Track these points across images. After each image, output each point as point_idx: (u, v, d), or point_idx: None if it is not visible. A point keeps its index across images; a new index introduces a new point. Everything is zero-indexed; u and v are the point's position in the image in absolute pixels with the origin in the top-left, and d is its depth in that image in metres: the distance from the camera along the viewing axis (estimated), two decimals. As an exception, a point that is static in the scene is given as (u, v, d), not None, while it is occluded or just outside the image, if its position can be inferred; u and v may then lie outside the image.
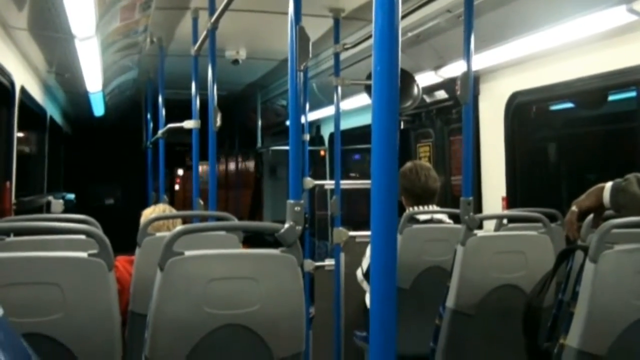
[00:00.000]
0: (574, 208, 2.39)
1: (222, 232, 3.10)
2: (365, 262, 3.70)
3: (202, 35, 4.11)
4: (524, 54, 3.97)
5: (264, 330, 2.16)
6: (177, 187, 12.86)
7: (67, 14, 3.54)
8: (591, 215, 2.44)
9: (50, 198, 6.15)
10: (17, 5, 3.70)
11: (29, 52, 4.75)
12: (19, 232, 2.84)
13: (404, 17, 3.69)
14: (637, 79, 3.43)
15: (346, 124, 5.39)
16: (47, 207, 6.03)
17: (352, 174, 8.64)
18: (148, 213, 3.67)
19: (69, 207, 6.63)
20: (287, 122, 8.96)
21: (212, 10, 3.79)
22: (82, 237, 2.71)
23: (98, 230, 2.26)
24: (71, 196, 7.76)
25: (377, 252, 1.40)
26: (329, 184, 5.03)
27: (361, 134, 7.20)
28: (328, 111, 6.95)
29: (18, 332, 1.53)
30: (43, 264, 2.06)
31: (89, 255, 2.09)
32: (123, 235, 3.62)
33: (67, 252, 2.12)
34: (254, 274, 2.16)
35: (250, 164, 11.64)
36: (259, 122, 9.11)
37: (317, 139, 8.50)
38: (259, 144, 9.49)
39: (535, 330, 2.37)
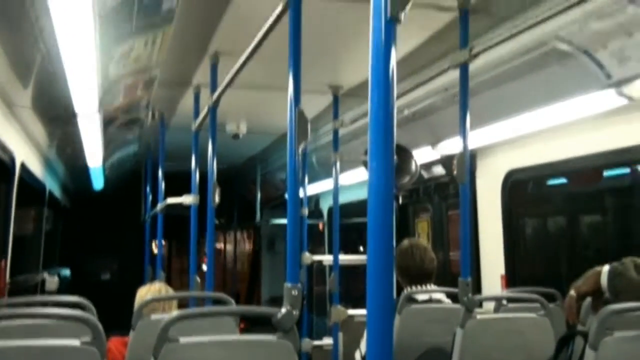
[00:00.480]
0: (572, 293, 2.37)
1: (219, 313, 3.05)
2: (364, 345, 3.63)
3: (203, 110, 4.17)
4: (519, 132, 4.03)
5: None
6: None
7: (70, 93, 3.61)
8: (589, 299, 2.43)
9: (45, 275, 6.09)
10: (22, 83, 3.77)
11: (31, 128, 4.81)
12: (13, 318, 2.80)
13: (400, 96, 3.77)
14: (629, 159, 3.47)
15: (345, 198, 5.41)
16: (42, 285, 5.97)
17: (351, 247, 8.60)
18: (143, 293, 3.62)
19: (64, 284, 6.57)
20: (286, 196, 8.95)
21: (213, 87, 3.86)
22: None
23: (92, 315, 2.23)
24: (67, 272, 7.70)
25: (374, 332, 1.39)
26: (327, 259, 4.99)
27: (360, 208, 7.19)
28: (327, 184, 6.98)
29: None
30: (35, 353, 2.01)
31: (82, 343, 2.04)
32: (119, 312, 3.57)
33: (59, 339, 2.08)
34: None
35: (249, 238, 11.61)
36: (258, 195, 9.14)
37: (316, 212, 8.50)
38: (258, 218, 9.49)
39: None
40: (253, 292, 10.99)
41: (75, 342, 2.03)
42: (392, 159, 1.44)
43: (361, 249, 8.33)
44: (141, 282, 3.99)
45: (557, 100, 3.44)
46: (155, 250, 6.46)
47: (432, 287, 3.69)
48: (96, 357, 2.03)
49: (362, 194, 6.69)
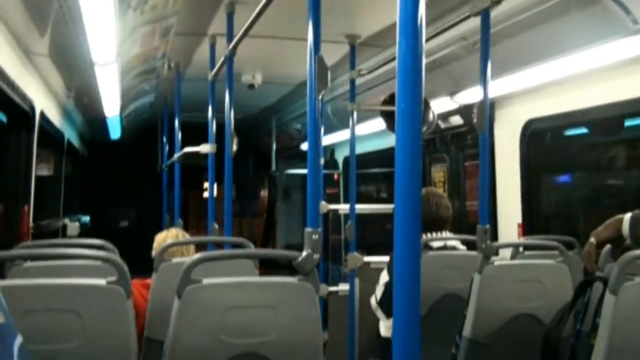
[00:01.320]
0: (592, 240, 2.39)
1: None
2: (379, 291, 3.68)
3: (219, 60, 4.16)
4: (539, 81, 3.98)
5: (280, 359, 2.15)
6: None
7: (88, 41, 3.59)
8: (609, 246, 2.44)
9: (67, 221, 6.19)
10: (40, 32, 3.76)
11: (49, 77, 4.81)
12: (39, 258, 2.86)
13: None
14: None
15: (359, 149, 5.41)
16: (63, 230, 6.07)
17: (365, 197, 8.63)
18: (161, 238, 3.68)
19: (84, 230, 6.67)
20: (302, 146, 9.04)
21: (229, 36, 3.84)
22: (100, 262, 2.73)
23: (116, 256, 2.27)
24: (86, 219, 7.81)
25: (401, 277, 1.41)
26: (343, 208, 5.03)
27: (375, 158, 7.21)
28: (342, 135, 6.98)
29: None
30: (62, 291, 2.07)
31: (108, 282, 2.10)
32: (137, 258, 3.63)
33: (86, 279, 2.13)
34: (271, 302, 2.16)
35: (264, 188, 11.67)
36: (274, 146, 9.15)
37: (331, 163, 8.52)
38: (273, 168, 9.52)
39: (554, 362, 2.35)
40: (268, 241, 11.11)
41: (101, 281, 2.09)
42: (420, 106, 1.45)
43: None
44: (159, 229, 4.03)
45: (580, 48, 3.38)
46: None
47: (448, 234, 3.72)
48: (122, 296, 2.08)
49: (376, 145, 6.73)
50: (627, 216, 2.36)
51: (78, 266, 2.82)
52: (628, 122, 3.94)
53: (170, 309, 2.16)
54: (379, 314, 3.66)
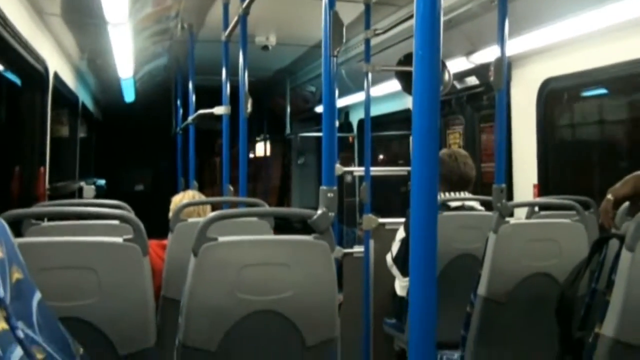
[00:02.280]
0: (609, 196, 2.36)
1: (254, 219, 3.11)
2: (395, 247, 3.69)
3: (232, 21, 4.11)
4: (557, 39, 3.91)
5: (296, 317, 2.17)
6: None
7: (100, 0, 3.57)
8: (627, 203, 2.41)
9: (83, 184, 6.24)
10: (51, -10, 3.74)
11: (62, 38, 4.80)
12: (55, 216, 2.88)
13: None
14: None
15: (373, 111, 5.37)
16: (80, 193, 6.12)
17: (379, 162, 8.61)
18: (177, 200, 3.71)
19: (100, 193, 6.72)
20: (316, 109, 9.00)
21: (243, -5, 3.79)
22: (116, 222, 2.75)
23: (132, 215, 2.29)
24: (102, 182, 7.87)
25: (418, 236, 1.40)
26: (358, 170, 5.01)
27: (389, 121, 7.16)
28: (356, 97, 6.93)
29: (55, 316, 1.56)
30: (79, 248, 2.08)
31: (124, 240, 2.11)
32: (153, 220, 3.66)
33: (103, 237, 2.14)
34: (287, 260, 2.17)
35: (279, 150, 11.66)
36: (288, 109, 9.12)
37: (345, 126, 8.48)
38: (288, 131, 9.50)
39: (569, 319, 2.35)
40: (283, 203, 11.14)
41: (117, 239, 2.10)
42: (438, 65, 1.42)
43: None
44: (174, 192, 4.06)
45: (599, 5, 3.30)
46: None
47: (466, 194, 3.71)
48: (138, 253, 2.09)
49: (390, 107, 6.68)
50: None
51: (95, 225, 2.84)
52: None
53: (186, 268, 2.17)
54: (394, 270, 3.68)
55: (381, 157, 8.65)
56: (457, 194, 3.68)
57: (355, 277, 4.44)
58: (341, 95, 6.81)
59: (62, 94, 5.35)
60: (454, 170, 3.64)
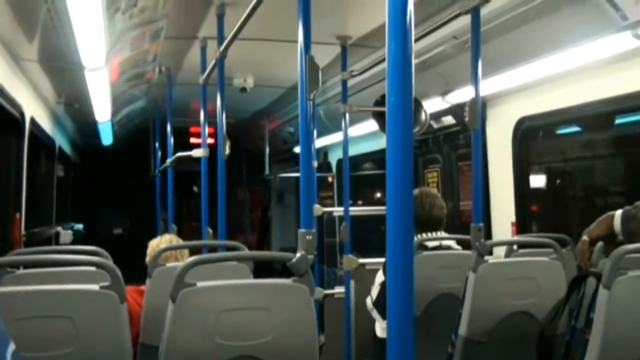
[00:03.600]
0: (584, 237, 2.39)
1: (233, 262, 3.09)
2: (375, 291, 3.68)
3: (210, 64, 4.15)
4: (530, 79, 3.99)
5: None
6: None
7: (77, 45, 3.58)
8: (601, 243, 2.44)
9: (59, 229, 6.16)
10: (28, 37, 3.74)
11: (38, 83, 4.80)
12: (31, 265, 2.84)
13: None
14: (644, 103, 3.44)
15: (352, 151, 5.42)
16: (56, 238, 6.03)
17: (359, 201, 8.63)
18: (155, 244, 3.68)
19: (77, 237, 6.64)
20: (295, 149, 9.01)
21: (220, 39, 3.83)
22: (93, 269, 2.71)
23: (109, 261, 2.26)
24: (79, 226, 7.78)
25: (394, 278, 1.40)
26: (338, 211, 5.02)
27: (367, 160, 7.21)
28: (335, 138, 6.98)
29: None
30: (55, 297, 2.05)
31: (101, 287, 2.08)
32: (131, 265, 3.62)
33: (79, 285, 2.12)
34: (266, 304, 2.15)
35: (258, 192, 11.65)
36: (267, 149, 9.14)
37: (324, 166, 8.52)
38: (267, 171, 9.51)
39: (549, 358, 2.35)
40: (263, 245, 11.08)
41: (94, 287, 2.07)
42: (410, 105, 1.44)
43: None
44: (153, 236, 4.02)
45: (570, 45, 3.38)
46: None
47: (442, 234, 3.72)
48: (115, 301, 2.07)
49: (369, 147, 6.73)
50: (618, 212, 2.37)
51: (71, 273, 2.80)
52: (618, 120, 3.96)
53: (165, 313, 2.14)
54: (375, 314, 3.66)
55: (362, 196, 8.68)
56: (433, 233, 3.69)
57: (336, 318, 4.42)
58: (320, 135, 6.89)
59: (39, 138, 5.32)
60: (419, 212, 3.64)
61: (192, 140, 9.62)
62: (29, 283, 2.35)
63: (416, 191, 3.81)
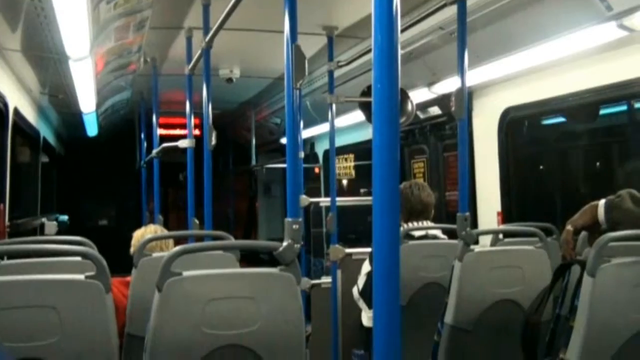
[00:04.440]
0: (569, 227, 2.41)
1: (219, 252, 3.08)
2: (361, 280, 3.69)
3: (195, 54, 4.12)
4: (516, 69, 4.01)
5: (263, 350, 2.14)
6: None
7: (61, 35, 3.54)
8: (585, 232, 2.46)
9: (44, 220, 6.11)
10: (11, 27, 3.70)
11: (22, 73, 4.75)
12: (15, 255, 2.81)
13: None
14: (628, 93, 3.46)
15: (340, 141, 5.44)
16: (41, 229, 5.99)
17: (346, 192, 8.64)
18: (139, 235, 3.67)
19: (62, 229, 6.60)
20: (281, 140, 9.01)
21: (206, 29, 3.81)
22: (78, 259, 2.69)
23: (94, 251, 2.25)
24: (64, 217, 7.73)
25: (380, 268, 1.40)
26: (324, 201, 5.02)
27: (354, 150, 7.21)
28: (322, 128, 6.97)
29: (14, 358, 1.52)
30: (39, 287, 2.04)
31: (86, 277, 2.07)
32: (117, 256, 3.60)
33: (64, 275, 2.10)
34: (252, 293, 2.15)
35: (245, 182, 11.63)
36: (253, 140, 9.13)
37: (311, 157, 8.51)
38: (254, 162, 9.49)
39: (534, 346, 2.37)
40: (250, 236, 11.08)
41: (79, 277, 2.06)
42: (396, 96, 1.44)
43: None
44: (139, 226, 4.00)
45: (555, 36, 3.40)
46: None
47: (429, 223, 3.74)
48: (101, 290, 2.06)
49: (356, 137, 6.73)
50: (602, 202, 2.39)
51: (56, 263, 2.78)
52: (603, 110, 3.98)
53: (150, 304, 2.14)
54: (361, 304, 3.67)
55: (348, 186, 8.69)
56: (419, 223, 3.71)
57: (323, 308, 4.43)
58: (306, 126, 6.88)
59: (23, 129, 5.27)
60: (409, 198, 3.69)
61: (178, 131, 9.60)
62: (13, 273, 2.33)
63: (405, 183, 3.85)
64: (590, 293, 2.01)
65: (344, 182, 7.93)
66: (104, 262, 2.11)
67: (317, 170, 8.63)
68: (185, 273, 2.13)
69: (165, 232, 3.79)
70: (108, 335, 2.09)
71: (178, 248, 2.22)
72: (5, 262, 2.79)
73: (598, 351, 2.01)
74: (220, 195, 11.60)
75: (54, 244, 2.64)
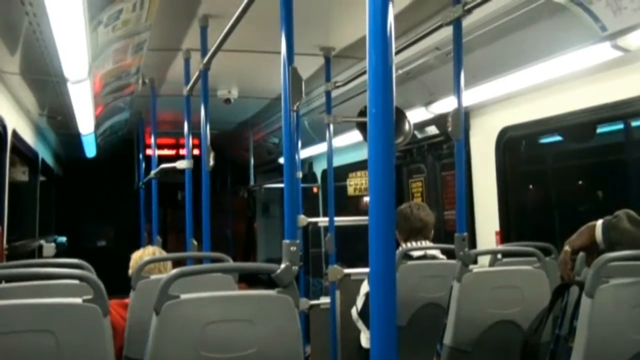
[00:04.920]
0: (566, 248, 2.41)
1: (218, 274, 3.07)
2: (360, 301, 3.68)
3: (194, 75, 4.15)
4: (513, 89, 4.03)
5: None
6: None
7: (59, 58, 3.57)
8: (583, 253, 2.46)
9: (42, 242, 6.10)
10: (10, 50, 3.72)
11: (21, 95, 4.77)
12: (12, 279, 2.80)
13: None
14: (624, 113, 3.48)
15: (338, 161, 5.44)
16: (39, 251, 5.98)
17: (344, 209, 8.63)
18: (137, 256, 3.66)
19: (60, 250, 6.58)
20: (279, 160, 9.01)
21: (204, 51, 3.84)
22: (76, 282, 2.69)
23: (92, 274, 2.24)
24: (63, 239, 7.72)
25: (376, 289, 1.40)
26: (322, 221, 5.02)
27: (352, 170, 7.22)
28: (320, 148, 6.98)
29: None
30: (36, 311, 2.02)
31: (84, 301, 2.06)
32: (115, 278, 3.60)
33: (61, 298, 2.09)
34: (250, 316, 2.14)
35: (243, 202, 11.62)
36: (252, 160, 9.14)
37: (309, 176, 8.52)
38: (252, 182, 9.50)
39: (534, 367, 2.36)
40: (249, 256, 11.05)
41: (77, 300, 2.05)
42: (392, 116, 1.44)
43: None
44: (137, 247, 4.00)
45: (551, 56, 3.42)
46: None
47: (428, 243, 3.73)
48: (98, 314, 2.04)
49: (354, 157, 6.74)
50: (599, 223, 2.39)
51: (54, 286, 2.77)
52: (600, 129, 4.00)
53: (149, 326, 2.13)
54: (360, 324, 3.66)
55: (346, 207, 8.67)
56: (418, 242, 3.71)
57: (322, 328, 4.41)
58: (304, 146, 6.90)
59: (21, 151, 5.28)
60: (409, 217, 3.69)
61: (176, 151, 9.61)
62: (10, 297, 2.32)
63: (404, 204, 3.86)
64: (589, 314, 2.00)
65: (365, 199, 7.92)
66: (102, 286, 2.10)
67: (315, 190, 8.63)
68: (183, 296, 2.12)
69: (164, 253, 3.78)
70: (105, 359, 2.07)
71: (176, 271, 2.21)
72: (2, 285, 2.78)
73: (598, 372, 2.00)
74: (219, 215, 11.62)
75: (51, 267, 2.63)
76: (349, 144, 6.22)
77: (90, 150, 8.28)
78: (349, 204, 7.98)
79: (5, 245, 4.34)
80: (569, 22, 3.14)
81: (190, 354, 2.08)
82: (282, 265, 2.16)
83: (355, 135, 5.65)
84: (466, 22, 3.04)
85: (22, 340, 1.98)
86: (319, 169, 8.34)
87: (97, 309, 2.06)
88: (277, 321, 2.16)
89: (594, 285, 2.01)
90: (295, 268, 2.16)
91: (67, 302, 2.06)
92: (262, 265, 2.60)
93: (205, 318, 2.11)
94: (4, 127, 4.27)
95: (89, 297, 2.07)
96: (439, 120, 4.91)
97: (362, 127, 4.67)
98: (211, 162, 3.91)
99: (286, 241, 2.18)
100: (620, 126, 3.93)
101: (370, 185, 1.41)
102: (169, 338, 2.09)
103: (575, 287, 2.21)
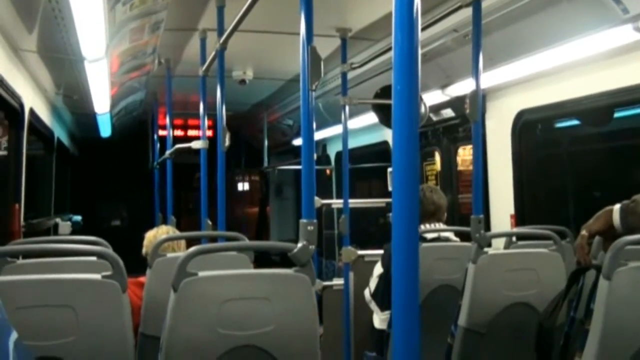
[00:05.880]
0: (583, 232, 2.40)
1: (233, 253, 3.10)
2: (373, 283, 3.69)
3: (209, 55, 4.14)
4: (530, 72, 3.99)
5: (278, 351, 2.15)
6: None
7: (77, 36, 3.57)
8: (599, 237, 2.45)
9: (58, 220, 6.15)
10: (27, 28, 3.73)
11: (38, 74, 4.79)
12: (33, 254, 2.83)
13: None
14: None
15: (351, 143, 5.43)
16: (55, 229, 6.03)
17: (358, 192, 8.63)
18: (151, 236, 3.68)
19: (76, 229, 6.64)
20: (293, 142, 9.00)
21: (220, 30, 3.83)
22: (93, 258, 2.72)
23: (111, 251, 2.26)
24: (78, 218, 7.78)
25: (399, 269, 1.41)
26: (337, 203, 5.03)
27: (366, 153, 7.21)
28: (334, 130, 6.97)
29: (32, 356, 1.53)
30: (57, 286, 2.05)
31: (103, 277, 2.08)
32: (129, 257, 3.63)
33: (81, 274, 2.12)
34: (267, 294, 2.16)
35: (257, 184, 11.66)
36: (266, 142, 9.15)
37: (323, 158, 8.52)
38: (266, 164, 9.52)
39: (549, 350, 2.37)
40: (262, 237, 11.09)
41: (96, 276, 2.07)
42: (417, 97, 1.44)
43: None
44: (152, 227, 4.02)
45: (571, 38, 3.39)
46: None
47: (441, 225, 3.73)
48: (117, 290, 2.07)
49: (368, 139, 6.73)
50: (617, 207, 2.38)
51: (71, 262, 2.80)
52: (617, 114, 3.96)
53: (165, 304, 2.15)
54: (373, 306, 3.67)
55: (359, 188, 8.67)
56: (432, 225, 3.70)
57: (335, 309, 4.43)
58: (319, 128, 6.88)
59: (38, 129, 5.31)
60: (425, 199, 3.69)
61: (191, 132, 9.63)
62: (29, 273, 2.35)
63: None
64: (606, 296, 2.00)
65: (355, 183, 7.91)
66: (121, 262, 2.13)
67: (328, 172, 8.63)
68: (201, 273, 2.14)
69: (177, 233, 3.81)
70: (124, 334, 2.10)
71: (194, 248, 2.23)
72: (21, 261, 2.81)
73: (614, 354, 2.00)
74: (233, 196, 11.65)
75: (70, 244, 2.66)
76: (363, 125, 6.20)
77: (106, 130, 8.31)
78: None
79: (22, 222, 4.38)
80: (590, 4, 3.10)
81: (208, 330, 2.10)
82: (299, 245, 2.17)
83: (369, 118, 5.63)
84: (485, 4, 3.01)
85: (43, 314, 2.01)
86: (332, 151, 8.33)
87: (116, 284, 2.08)
88: (294, 300, 2.18)
89: (612, 267, 2.01)
90: (312, 247, 2.17)
91: (87, 278, 2.09)
92: (279, 244, 2.61)
93: (223, 295, 2.13)
94: (22, 106, 4.29)
95: (108, 273, 2.10)
96: (455, 103, 4.88)
97: (378, 109, 4.65)
98: (227, 143, 3.92)
99: (303, 220, 2.19)
100: (639, 110, 3.89)
101: (395, 164, 1.41)
102: (187, 315, 2.11)
103: (590, 271, 2.21)
